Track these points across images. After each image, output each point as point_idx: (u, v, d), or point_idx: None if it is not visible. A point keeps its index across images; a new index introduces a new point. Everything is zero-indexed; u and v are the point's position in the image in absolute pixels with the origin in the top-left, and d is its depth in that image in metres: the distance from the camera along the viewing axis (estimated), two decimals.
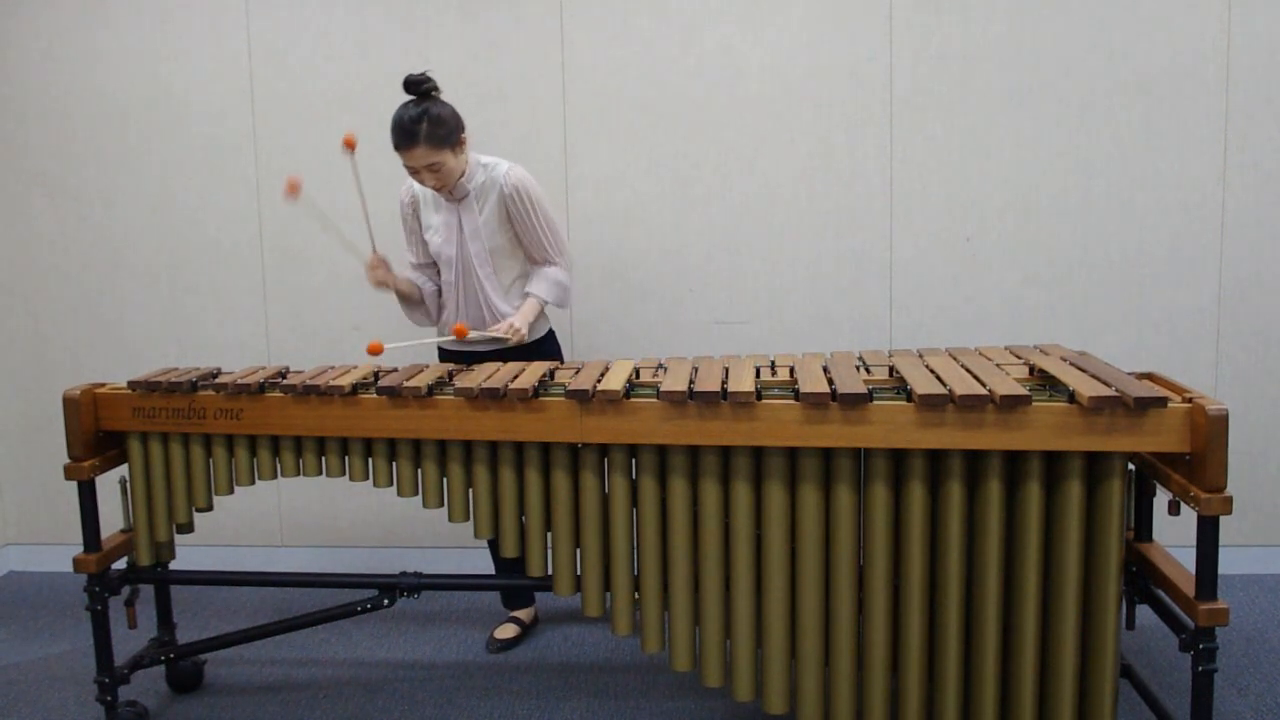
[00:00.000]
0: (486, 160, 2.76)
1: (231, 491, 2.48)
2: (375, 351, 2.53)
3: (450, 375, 2.39)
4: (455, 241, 2.76)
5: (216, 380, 2.42)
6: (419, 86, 2.62)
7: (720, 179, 3.33)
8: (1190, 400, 1.97)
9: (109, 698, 2.51)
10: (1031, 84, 3.21)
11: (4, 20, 3.49)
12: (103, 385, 2.50)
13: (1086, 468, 2.01)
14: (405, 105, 2.61)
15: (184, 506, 2.48)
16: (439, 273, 2.88)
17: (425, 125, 2.56)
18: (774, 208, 3.32)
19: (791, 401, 2.07)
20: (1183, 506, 2.03)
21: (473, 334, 2.69)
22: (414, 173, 2.63)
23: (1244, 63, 3.14)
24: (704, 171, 3.33)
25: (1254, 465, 3.29)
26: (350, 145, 2.57)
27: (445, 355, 2.94)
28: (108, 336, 3.57)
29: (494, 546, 3.03)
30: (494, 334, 2.68)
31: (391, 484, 2.38)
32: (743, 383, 2.14)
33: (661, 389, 2.12)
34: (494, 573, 3.15)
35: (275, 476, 2.43)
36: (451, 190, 2.72)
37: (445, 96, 3.37)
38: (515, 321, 2.68)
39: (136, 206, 3.51)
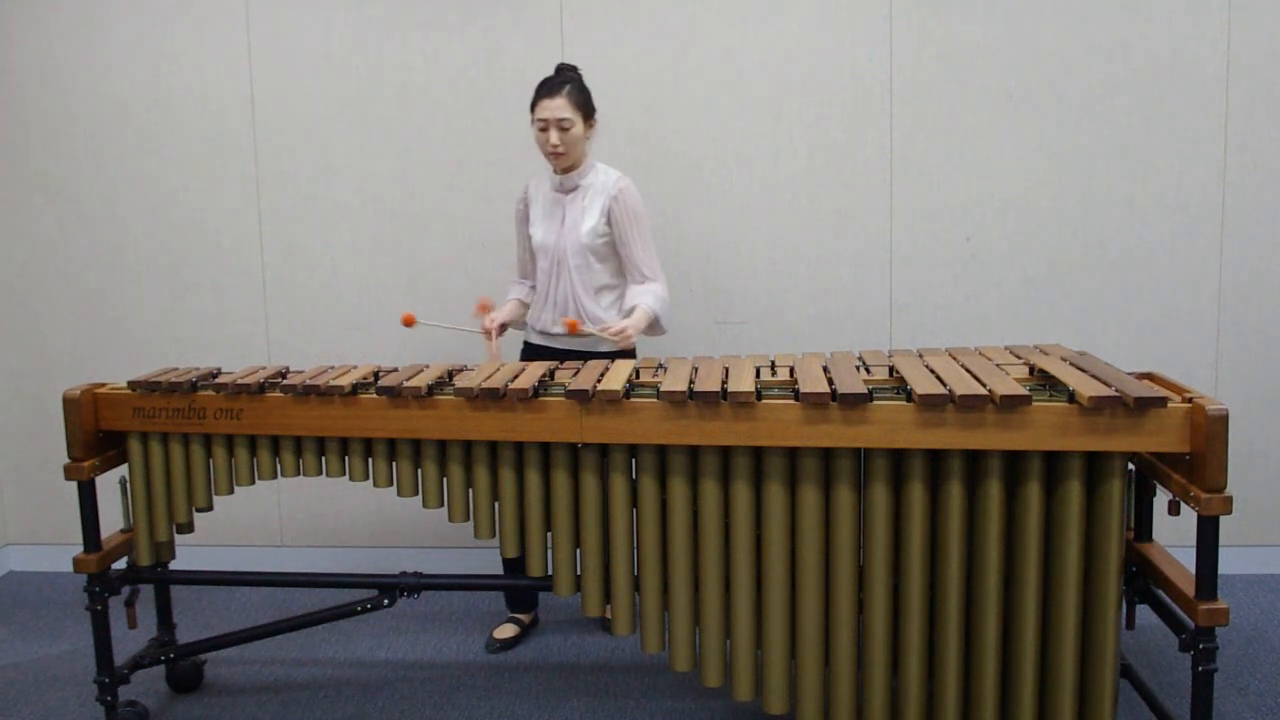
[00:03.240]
0: (601, 166, 2.83)
1: (231, 491, 2.48)
2: (408, 323, 2.59)
3: (450, 375, 2.39)
4: (555, 232, 2.80)
5: (216, 380, 2.42)
6: (574, 70, 2.79)
7: (720, 179, 3.33)
8: (1190, 400, 1.97)
9: (109, 698, 2.51)
10: (1031, 84, 3.21)
11: (4, 20, 3.49)
12: (103, 385, 2.50)
13: (1086, 468, 2.01)
14: (558, 73, 2.77)
15: (184, 506, 2.48)
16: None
17: (572, 83, 2.72)
18: (774, 208, 3.32)
19: (791, 401, 2.07)
20: (1183, 506, 2.03)
21: (584, 328, 2.68)
22: (543, 129, 2.69)
23: (1244, 63, 3.14)
24: (704, 171, 3.33)
25: (1254, 465, 3.29)
26: (409, 323, 2.75)
27: (530, 352, 2.95)
28: (108, 336, 3.57)
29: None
30: (603, 334, 2.65)
31: (391, 484, 2.38)
32: (743, 383, 2.14)
33: (661, 389, 2.12)
34: (495, 573, 3.15)
35: (275, 476, 2.43)
36: (564, 177, 2.78)
37: (445, 96, 3.39)
38: (628, 326, 2.67)
39: (136, 206, 3.51)
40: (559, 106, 2.67)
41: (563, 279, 2.81)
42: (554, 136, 2.69)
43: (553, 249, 2.81)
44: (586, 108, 2.74)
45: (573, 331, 2.68)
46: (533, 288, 2.96)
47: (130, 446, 2.49)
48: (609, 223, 2.77)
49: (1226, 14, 3.13)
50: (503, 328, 2.87)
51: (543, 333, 2.88)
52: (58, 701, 2.75)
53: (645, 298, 2.76)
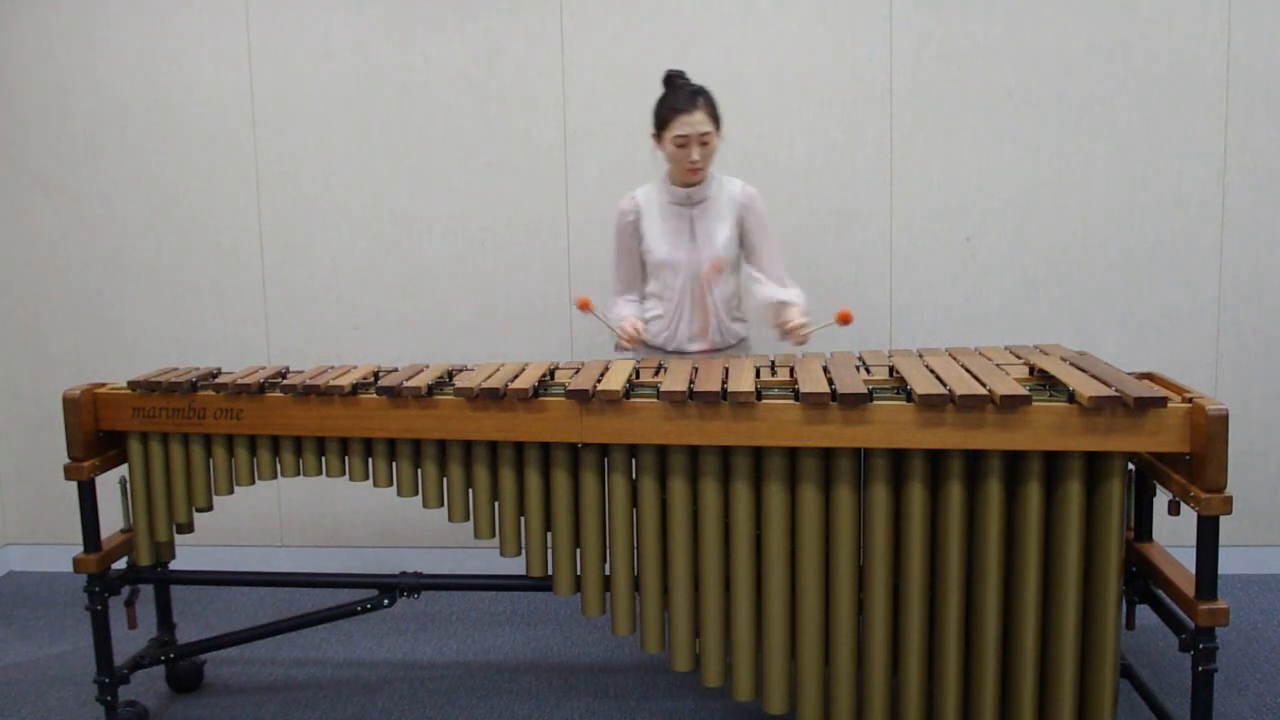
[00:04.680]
0: (720, 175, 2.74)
1: (231, 491, 2.48)
2: (584, 307, 2.56)
3: (450, 375, 2.39)
4: (686, 247, 2.69)
5: (216, 380, 2.42)
6: (683, 76, 2.66)
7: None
8: (1190, 400, 1.97)
9: (109, 698, 2.51)
10: (1031, 84, 3.21)
11: (4, 20, 3.49)
12: (103, 385, 2.50)
13: (1086, 468, 2.01)
14: (689, 85, 2.63)
15: (184, 506, 2.48)
16: (644, 287, 2.81)
17: (704, 94, 2.59)
18: (774, 208, 3.30)
19: (791, 401, 2.07)
20: (1183, 506, 2.03)
21: (812, 327, 2.60)
22: (682, 145, 2.56)
23: (1244, 63, 3.14)
24: None
25: (1254, 465, 3.29)
26: (585, 307, 2.62)
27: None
28: (108, 336, 3.57)
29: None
30: (791, 330, 2.61)
31: (391, 484, 2.38)
32: (743, 383, 2.14)
33: (661, 389, 2.12)
34: (495, 573, 3.14)
35: (275, 476, 2.43)
36: (690, 190, 2.67)
37: (445, 96, 3.39)
38: (807, 322, 2.62)
39: (136, 206, 3.51)
40: (699, 121, 2.54)
41: (699, 294, 2.70)
42: (695, 153, 2.56)
43: (686, 266, 2.68)
44: (718, 120, 2.61)
45: (585, 308, 2.59)
46: (641, 301, 2.81)
47: (130, 446, 2.49)
48: (741, 231, 2.70)
49: (1226, 14, 3.13)
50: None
51: (677, 351, 2.75)
52: (58, 701, 2.75)
53: (794, 293, 2.69)
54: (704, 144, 2.57)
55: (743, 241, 2.73)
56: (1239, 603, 3.14)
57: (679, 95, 2.58)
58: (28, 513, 3.71)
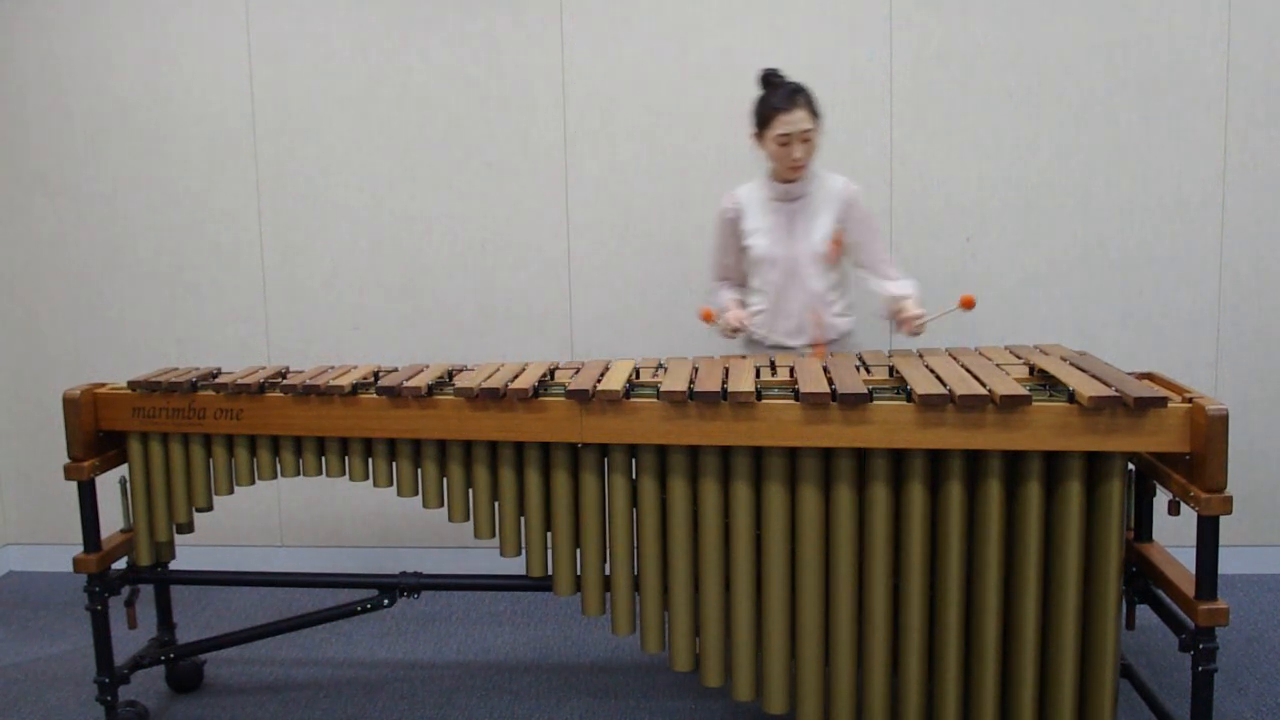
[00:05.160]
0: (822, 171, 2.75)
1: (231, 491, 2.48)
2: (708, 319, 2.63)
3: (450, 375, 2.39)
4: (784, 242, 2.71)
5: (216, 380, 2.42)
6: (779, 75, 2.67)
7: (720, 179, 3.33)
8: (1190, 400, 1.97)
9: (109, 698, 2.51)
10: (1032, 84, 3.21)
11: (5, 20, 3.49)
12: (103, 385, 2.50)
13: (1086, 468, 2.01)
14: (786, 83, 2.64)
15: (184, 506, 2.47)
16: (742, 280, 2.84)
17: (805, 94, 2.61)
18: None
19: (791, 401, 2.07)
20: (1183, 506, 2.03)
21: (929, 317, 2.62)
22: (784, 143, 2.59)
23: (1244, 63, 3.14)
24: (704, 171, 3.33)
25: (1254, 465, 3.29)
26: (709, 319, 2.69)
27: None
28: (108, 336, 3.57)
29: None
30: (908, 321, 2.64)
31: (391, 484, 2.38)
32: (743, 383, 2.14)
33: (661, 389, 2.12)
34: (495, 573, 3.14)
35: (275, 476, 2.43)
36: (790, 186, 2.69)
37: (444, 96, 3.39)
38: (924, 314, 2.64)
39: (136, 207, 3.51)
40: (801, 119, 2.57)
41: (797, 288, 2.70)
42: (797, 150, 2.59)
43: (784, 259, 2.69)
44: (819, 116, 2.63)
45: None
46: (742, 287, 2.84)
47: (130, 446, 2.49)
48: (844, 226, 2.71)
49: (1226, 14, 3.13)
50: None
51: (775, 345, 2.75)
52: (58, 701, 2.75)
53: (908, 285, 2.71)
54: (805, 141, 2.60)
55: (847, 239, 2.74)
56: (1239, 603, 3.14)
57: (778, 94, 2.59)
58: (28, 513, 3.71)
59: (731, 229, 2.78)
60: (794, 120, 2.57)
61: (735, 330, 2.72)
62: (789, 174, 2.66)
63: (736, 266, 2.82)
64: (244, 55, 3.42)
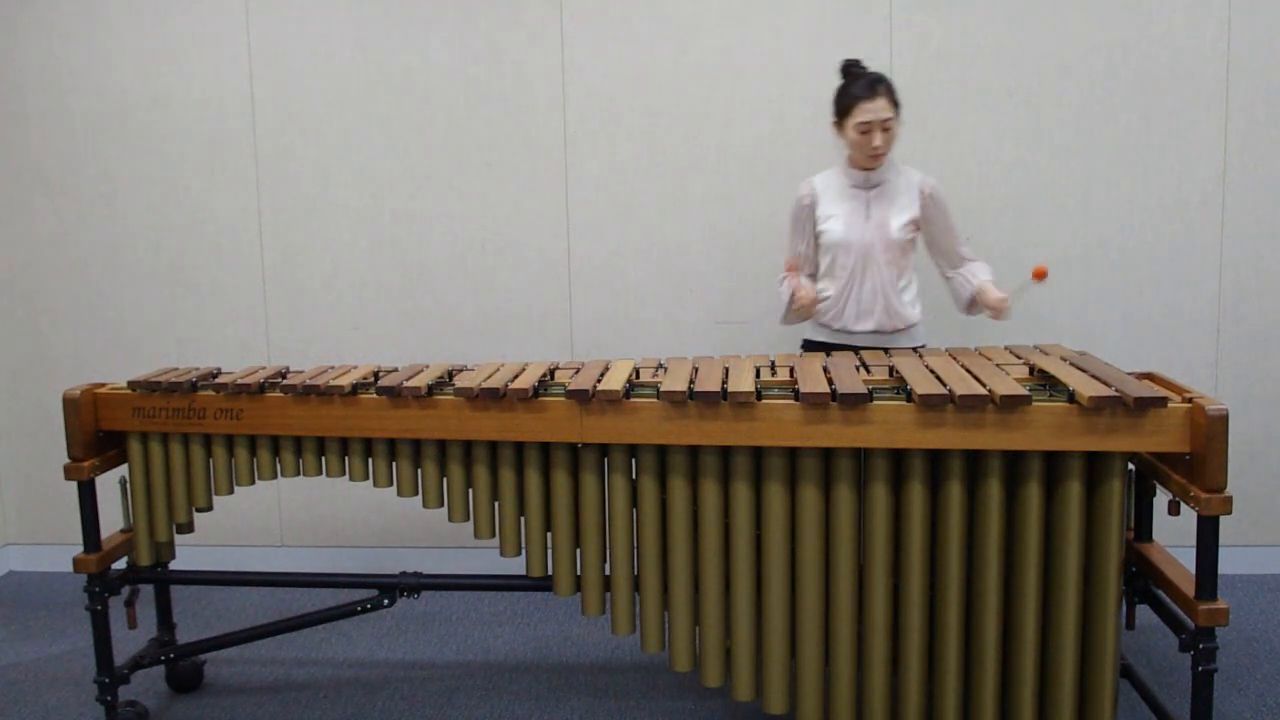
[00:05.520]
0: (898, 162, 2.79)
1: (231, 491, 2.48)
2: (794, 271, 2.70)
3: (450, 375, 2.39)
4: (860, 229, 2.73)
5: (216, 380, 2.42)
6: (859, 65, 2.73)
7: (720, 179, 3.33)
8: (1190, 400, 1.97)
9: (109, 698, 2.51)
10: (1032, 84, 3.21)
11: (5, 20, 3.49)
12: (103, 385, 2.50)
13: (1086, 468, 2.01)
14: (861, 73, 2.69)
15: (184, 506, 2.48)
16: (814, 270, 2.87)
17: (886, 83, 2.65)
18: (774, 208, 3.32)
19: (791, 401, 2.07)
20: (1183, 506, 2.03)
21: (1011, 295, 2.64)
22: (865, 131, 2.62)
23: (1244, 63, 3.14)
24: (704, 171, 3.33)
25: (1254, 465, 3.29)
26: (1040, 275, 2.56)
27: (815, 350, 2.83)
28: (108, 336, 3.57)
29: None
30: (991, 304, 2.66)
31: (391, 484, 2.38)
32: (743, 383, 2.14)
33: (661, 389, 2.12)
34: (495, 573, 3.14)
35: (275, 476, 2.43)
36: (868, 174, 2.72)
37: (444, 96, 3.39)
38: (1006, 295, 2.67)
39: (136, 207, 3.51)
40: (882, 107, 2.61)
41: (871, 275, 2.73)
42: (878, 138, 2.63)
43: (858, 245, 2.72)
44: (898, 103, 2.67)
45: (1042, 277, 2.53)
46: (811, 277, 2.86)
47: (130, 446, 2.49)
48: (921, 219, 2.75)
49: (1226, 14, 3.13)
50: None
51: (842, 330, 2.78)
52: (58, 701, 2.75)
53: (985, 271, 2.78)
54: (886, 130, 2.64)
55: (924, 231, 2.78)
56: (1239, 603, 3.14)
57: (859, 84, 2.64)
58: (28, 513, 3.71)
59: (807, 215, 2.80)
60: (875, 109, 2.61)
61: (803, 307, 2.71)
62: (869, 162, 2.70)
63: (810, 256, 2.84)
64: (244, 55, 3.42)
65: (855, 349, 2.72)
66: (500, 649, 3.01)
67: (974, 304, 2.79)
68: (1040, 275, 2.51)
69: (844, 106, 2.67)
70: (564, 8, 3.31)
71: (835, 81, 3.26)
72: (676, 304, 3.39)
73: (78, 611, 3.33)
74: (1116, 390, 1.97)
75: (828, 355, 2.49)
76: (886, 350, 2.64)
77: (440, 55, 3.36)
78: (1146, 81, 3.18)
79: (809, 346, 2.89)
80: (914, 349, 2.79)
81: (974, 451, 2.05)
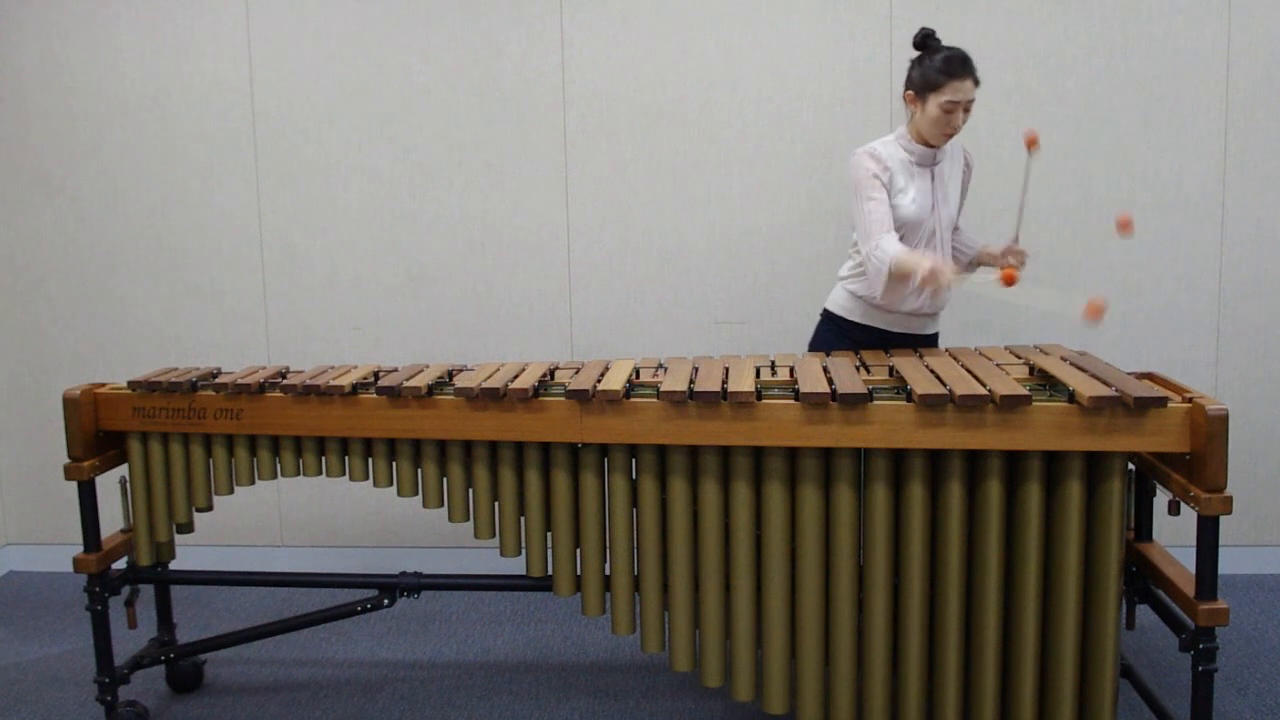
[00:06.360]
0: None
1: (231, 491, 2.48)
2: (1011, 281, 2.39)
3: (450, 375, 2.39)
4: (927, 206, 2.63)
5: (216, 380, 2.42)
6: (935, 36, 2.62)
7: (720, 179, 3.33)
8: (1190, 400, 1.97)
9: (109, 698, 2.51)
10: (1032, 84, 3.21)
11: (6, 19, 3.49)
12: (103, 385, 2.50)
13: (1086, 468, 2.01)
14: (946, 47, 2.57)
15: (184, 506, 2.48)
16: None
17: (973, 62, 2.55)
18: (774, 208, 3.32)
19: (791, 401, 2.07)
20: (1183, 506, 2.03)
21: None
22: (950, 110, 2.53)
23: (1244, 63, 3.15)
24: (704, 171, 3.33)
25: (1254, 465, 3.29)
26: (1032, 143, 2.54)
27: (858, 333, 2.74)
28: (108, 336, 3.58)
29: None
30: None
31: (391, 484, 2.38)
32: (743, 383, 2.14)
33: (661, 389, 2.12)
34: (495, 573, 3.14)
35: (275, 476, 2.43)
36: (934, 150, 2.63)
37: (444, 96, 3.39)
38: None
39: (136, 206, 3.51)
40: (970, 88, 2.53)
41: (935, 253, 2.62)
42: (957, 120, 2.55)
43: (927, 222, 2.63)
44: (979, 82, 2.58)
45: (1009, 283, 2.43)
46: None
47: (130, 446, 2.49)
48: (962, 189, 2.74)
49: (1226, 14, 3.13)
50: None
51: (883, 308, 2.68)
52: (58, 701, 2.75)
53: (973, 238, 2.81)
54: (968, 110, 2.55)
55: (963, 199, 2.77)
56: (1239, 603, 3.14)
57: (952, 61, 2.53)
58: (28, 513, 3.71)
59: (884, 184, 2.60)
60: (965, 89, 2.52)
61: (938, 280, 2.43)
62: (940, 140, 2.60)
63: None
64: (244, 55, 3.42)
65: (888, 334, 2.70)
66: (500, 649, 3.01)
67: (975, 265, 2.77)
68: (1009, 279, 2.37)
69: (931, 82, 2.53)
70: (564, 8, 3.31)
71: (835, 81, 3.27)
72: (676, 304, 3.39)
73: (78, 611, 3.33)
74: (1116, 390, 1.97)
75: (828, 354, 2.48)
76: (919, 341, 2.64)
77: (440, 55, 3.36)
78: (1147, 81, 3.18)
79: (831, 321, 2.77)
80: (933, 338, 2.80)
81: (974, 451, 2.05)
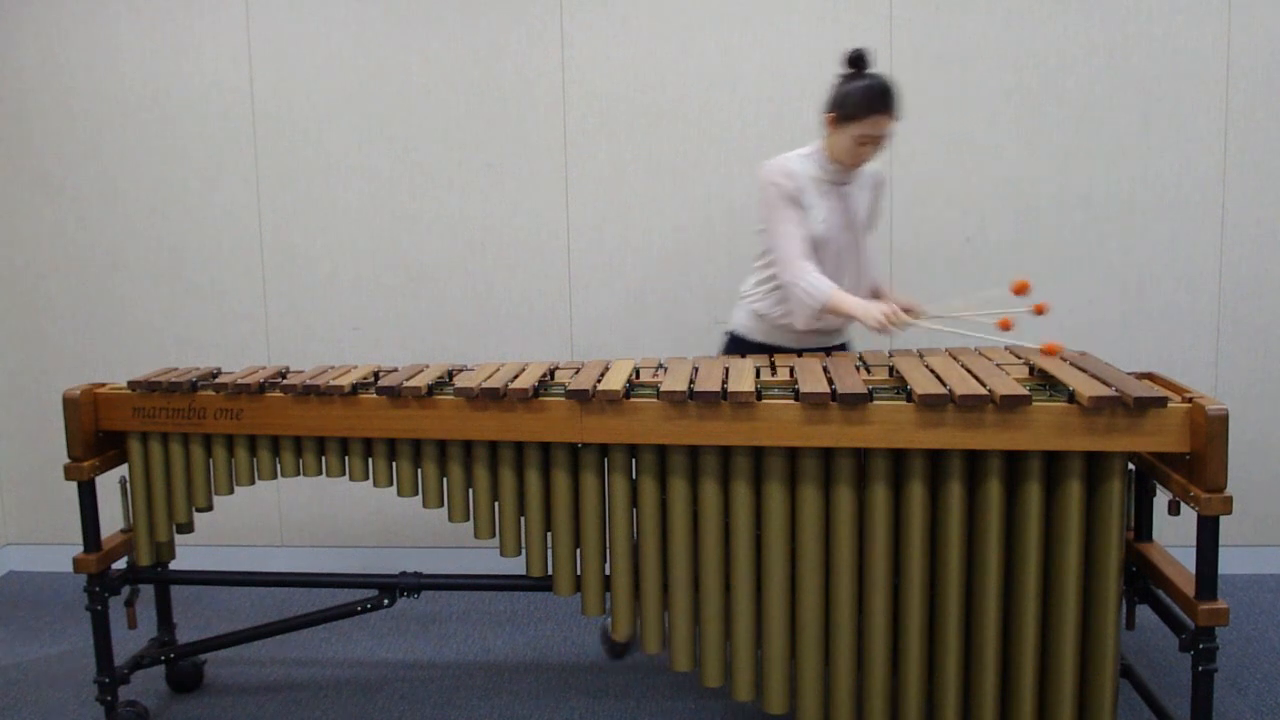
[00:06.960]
0: None
1: (231, 491, 2.48)
2: (1007, 327, 2.31)
3: (450, 375, 2.39)
4: (838, 225, 2.57)
5: (216, 380, 2.42)
6: (866, 61, 2.50)
7: (720, 179, 3.33)
8: (1190, 400, 1.97)
9: (109, 698, 2.51)
10: (1032, 84, 3.21)
11: (6, 19, 3.49)
12: (103, 385, 2.50)
13: (1086, 468, 2.01)
14: (872, 76, 2.46)
15: (184, 506, 2.47)
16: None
17: (898, 98, 2.47)
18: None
19: (791, 401, 2.07)
20: (1183, 506, 2.03)
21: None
22: (862, 144, 2.46)
23: (1244, 63, 3.14)
24: (704, 171, 3.33)
25: (1254, 465, 3.29)
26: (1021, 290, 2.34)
27: (755, 350, 2.67)
28: (108, 336, 3.57)
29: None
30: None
31: (391, 484, 2.38)
32: (743, 383, 2.14)
33: (661, 389, 2.12)
34: (494, 573, 3.14)
35: (275, 476, 2.43)
36: (851, 170, 2.58)
37: (444, 96, 3.39)
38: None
39: (136, 206, 3.51)
40: (886, 124, 2.45)
41: (846, 273, 2.60)
42: (866, 154, 2.49)
43: (837, 242, 2.57)
44: (899, 117, 2.52)
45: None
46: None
47: (130, 446, 2.49)
48: (873, 210, 2.68)
49: (1226, 14, 3.13)
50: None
51: (786, 327, 2.62)
52: (58, 701, 2.75)
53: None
54: (880, 145, 2.49)
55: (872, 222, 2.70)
56: (1239, 603, 3.14)
57: (873, 96, 2.43)
58: (28, 513, 3.71)
59: (796, 202, 2.53)
60: (882, 124, 2.44)
61: (892, 323, 2.38)
62: (852, 164, 2.55)
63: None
64: (244, 55, 3.42)
65: (795, 351, 2.63)
66: (500, 649, 3.01)
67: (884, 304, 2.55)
68: (1021, 290, 2.30)
69: (852, 112, 2.44)
70: (564, 8, 3.31)
71: (834, 80, 3.27)
72: (676, 304, 3.39)
73: (78, 611, 3.33)
74: (1116, 390, 1.97)
75: (798, 355, 2.47)
76: (827, 351, 2.59)
77: (440, 55, 3.36)
78: (1147, 81, 3.18)
79: (736, 344, 2.72)
80: (841, 346, 2.74)
81: (974, 451, 2.05)
